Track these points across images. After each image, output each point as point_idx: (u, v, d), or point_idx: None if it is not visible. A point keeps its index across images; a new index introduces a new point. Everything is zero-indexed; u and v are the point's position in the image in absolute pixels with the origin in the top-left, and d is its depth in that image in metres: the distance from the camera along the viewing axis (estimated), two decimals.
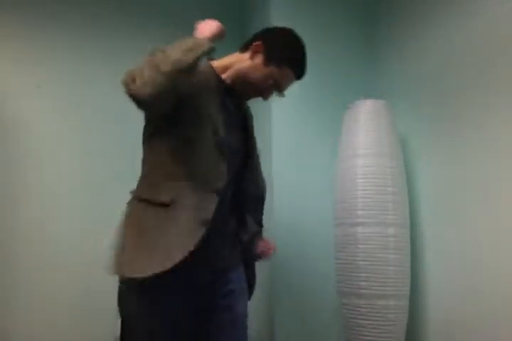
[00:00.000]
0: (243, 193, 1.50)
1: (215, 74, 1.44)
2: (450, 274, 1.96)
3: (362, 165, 2.07)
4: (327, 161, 2.39)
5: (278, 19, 2.50)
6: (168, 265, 1.23)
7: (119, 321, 2.19)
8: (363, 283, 1.96)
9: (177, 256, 1.23)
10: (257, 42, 1.44)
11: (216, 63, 1.48)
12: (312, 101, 2.48)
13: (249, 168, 1.51)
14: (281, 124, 2.41)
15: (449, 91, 2.05)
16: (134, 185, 1.54)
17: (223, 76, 1.46)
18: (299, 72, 1.47)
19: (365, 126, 2.12)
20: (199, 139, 1.34)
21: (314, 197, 2.38)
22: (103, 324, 2.38)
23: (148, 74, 1.20)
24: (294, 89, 2.50)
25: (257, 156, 1.58)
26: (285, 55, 1.43)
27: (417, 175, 2.20)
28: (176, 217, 1.28)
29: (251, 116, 1.60)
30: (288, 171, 2.38)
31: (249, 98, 1.52)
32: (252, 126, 1.56)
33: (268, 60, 1.42)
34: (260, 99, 1.52)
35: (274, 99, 1.60)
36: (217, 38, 1.33)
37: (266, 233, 1.71)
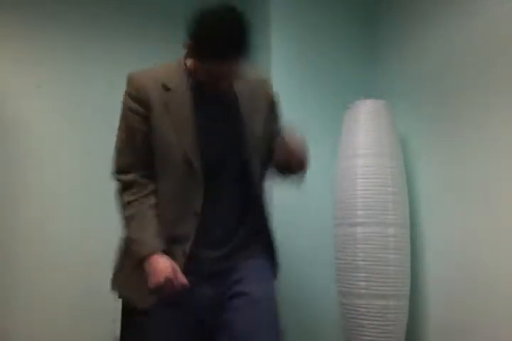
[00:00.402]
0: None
1: (187, 75, 1.42)
2: (450, 274, 1.96)
3: (362, 165, 2.06)
4: (327, 161, 2.39)
5: (278, 19, 2.50)
6: (147, 305, 1.33)
7: (119, 321, 2.20)
8: (363, 283, 1.96)
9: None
10: (186, 43, 1.35)
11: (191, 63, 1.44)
12: (312, 101, 2.48)
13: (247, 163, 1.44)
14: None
15: (449, 92, 2.05)
16: None
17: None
18: (225, 57, 1.29)
19: (365, 126, 2.12)
20: (169, 162, 1.39)
21: (314, 197, 2.38)
22: (103, 324, 2.38)
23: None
24: (294, 88, 2.52)
25: (258, 136, 1.46)
26: (202, 48, 1.29)
27: (417, 175, 2.20)
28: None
29: (249, 96, 1.48)
30: None
31: (216, 90, 1.42)
32: (250, 110, 1.46)
33: (196, 60, 1.36)
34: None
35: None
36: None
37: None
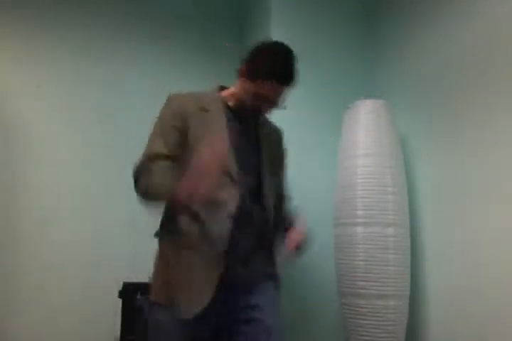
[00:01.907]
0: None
1: (222, 101, 1.54)
2: (450, 274, 1.96)
3: (362, 165, 2.06)
4: (327, 161, 2.39)
5: (278, 19, 2.50)
6: (190, 315, 1.34)
7: (118, 321, 2.20)
8: (363, 283, 1.96)
9: (198, 304, 1.35)
10: (240, 67, 1.50)
11: (225, 92, 1.58)
12: (312, 101, 2.48)
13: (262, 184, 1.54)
14: (280, 124, 2.41)
15: (449, 92, 2.05)
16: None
17: (230, 102, 1.55)
18: (278, 79, 1.43)
19: (365, 126, 2.12)
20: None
21: (314, 197, 2.38)
22: (103, 324, 2.38)
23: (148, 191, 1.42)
24: (295, 89, 2.51)
25: (271, 173, 1.58)
26: (258, 68, 1.44)
27: (417, 175, 2.20)
28: (193, 250, 1.40)
29: (267, 135, 1.63)
30: (288, 171, 2.37)
31: (252, 117, 1.57)
32: (267, 146, 1.60)
33: (248, 79, 1.46)
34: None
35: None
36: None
37: None
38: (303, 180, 2.38)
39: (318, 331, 2.29)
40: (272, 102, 1.49)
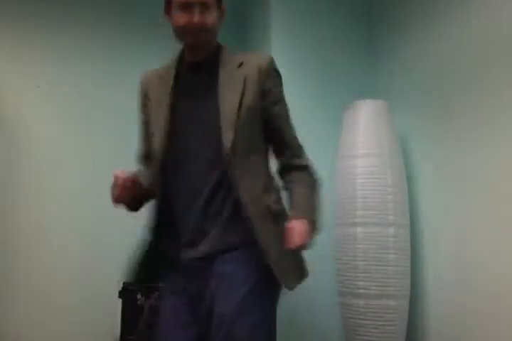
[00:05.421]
0: None
1: (178, 58, 1.49)
2: (450, 274, 1.96)
3: (362, 165, 2.06)
4: (327, 161, 2.39)
5: (278, 19, 2.50)
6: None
7: (118, 321, 2.20)
8: (363, 283, 1.96)
9: None
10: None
11: None
12: (312, 101, 2.48)
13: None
14: None
15: (448, 92, 2.05)
16: None
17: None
18: None
19: (365, 126, 2.12)
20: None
21: None
22: (103, 324, 2.38)
23: None
24: (294, 88, 2.52)
25: (246, 117, 1.33)
26: None
27: (417, 175, 2.20)
28: None
29: (234, 72, 1.38)
30: None
31: (204, 57, 1.44)
32: (232, 86, 1.35)
33: (169, 13, 1.45)
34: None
35: None
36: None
37: None
38: None
39: (318, 331, 2.29)
40: (192, 27, 1.37)
